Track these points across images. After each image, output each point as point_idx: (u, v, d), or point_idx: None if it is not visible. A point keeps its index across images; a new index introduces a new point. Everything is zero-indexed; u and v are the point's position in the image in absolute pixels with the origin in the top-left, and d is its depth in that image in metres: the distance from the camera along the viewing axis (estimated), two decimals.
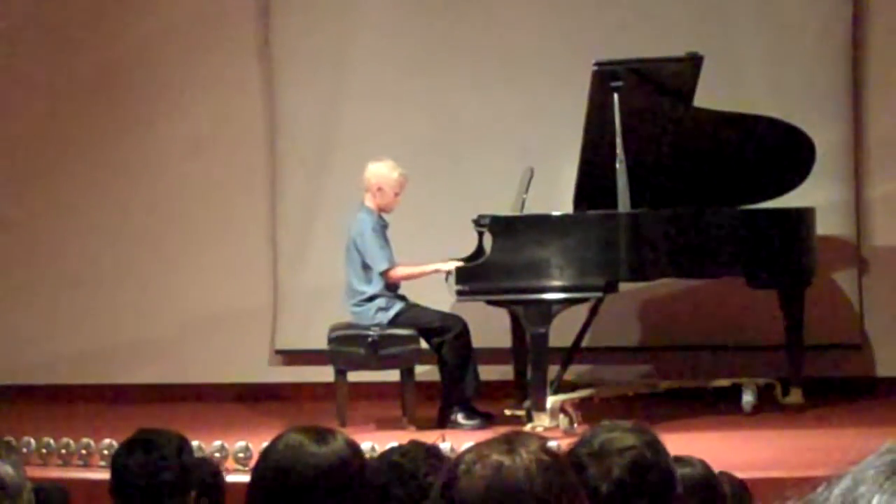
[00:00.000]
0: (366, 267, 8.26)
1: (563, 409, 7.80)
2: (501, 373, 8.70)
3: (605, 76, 7.97)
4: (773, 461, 6.81)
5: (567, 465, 2.16)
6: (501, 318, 8.53)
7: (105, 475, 3.99)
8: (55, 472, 6.94)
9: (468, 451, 2.10)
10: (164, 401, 9.41)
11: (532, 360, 7.90)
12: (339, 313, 8.44)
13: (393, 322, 8.23)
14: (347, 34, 9.61)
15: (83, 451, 7.19)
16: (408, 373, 8.21)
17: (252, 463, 3.69)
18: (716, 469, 3.57)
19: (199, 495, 4.10)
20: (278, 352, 9.78)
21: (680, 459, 3.21)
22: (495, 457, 2.06)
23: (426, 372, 8.44)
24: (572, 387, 8.33)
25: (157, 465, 3.79)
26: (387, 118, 9.48)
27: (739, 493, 3.90)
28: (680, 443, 2.60)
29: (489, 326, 8.58)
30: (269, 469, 2.97)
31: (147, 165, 9.85)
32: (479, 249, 8.37)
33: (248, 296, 9.74)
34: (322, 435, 2.99)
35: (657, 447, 2.79)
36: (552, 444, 2.19)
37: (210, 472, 4.50)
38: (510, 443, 2.08)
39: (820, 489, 1.31)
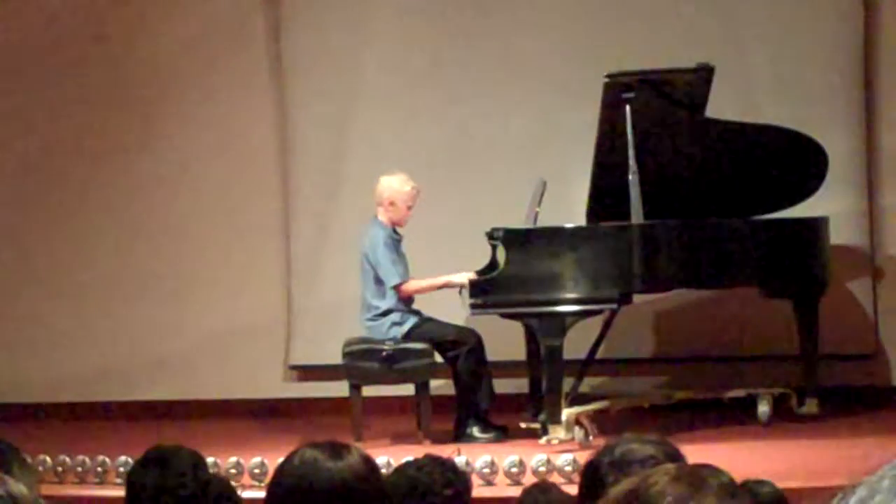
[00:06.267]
0: (379, 281, 8.26)
1: (578, 422, 7.78)
2: (516, 386, 8.68)
3: (617, 88, 7.97)
4: (789, 471, 6.77)
5: None
6: (516, 330, 8.52)
7: (120, 492, 3.98)
8: (71, 490, 6.94)
9: None
10: (178, 417, 9.41)
11: (547, 372, 7.89)
12: (353, 328, 8.43)
13: (407, 336, 8.22)
14: (359, 48, 9.62)
15: (98, 469, 7.19)
16: (423, 387, 8.20)
17: (268, 479, 3.69)
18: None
19: None
20: (292, 367, 9.77)
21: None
22: None
23: (441, 386, 8.43)
24: (588, 399, 8.31)
25: (173, 482, 3.79)
26: (399, 132, 9.49)
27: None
28: (696, 454, 2.59)
29: (503, 339, 8.56)
30: (284, 485, 2.97)
31: (160, 181, 9.86)
32: (493, 262, 8.36)
33: (262, 311, 9.74)
34: (337, 450, 2.98)
35: (678, 459, 2.78)
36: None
37: (224, 490, 4.49)
38: None
39: (836, 499, 1.31)
